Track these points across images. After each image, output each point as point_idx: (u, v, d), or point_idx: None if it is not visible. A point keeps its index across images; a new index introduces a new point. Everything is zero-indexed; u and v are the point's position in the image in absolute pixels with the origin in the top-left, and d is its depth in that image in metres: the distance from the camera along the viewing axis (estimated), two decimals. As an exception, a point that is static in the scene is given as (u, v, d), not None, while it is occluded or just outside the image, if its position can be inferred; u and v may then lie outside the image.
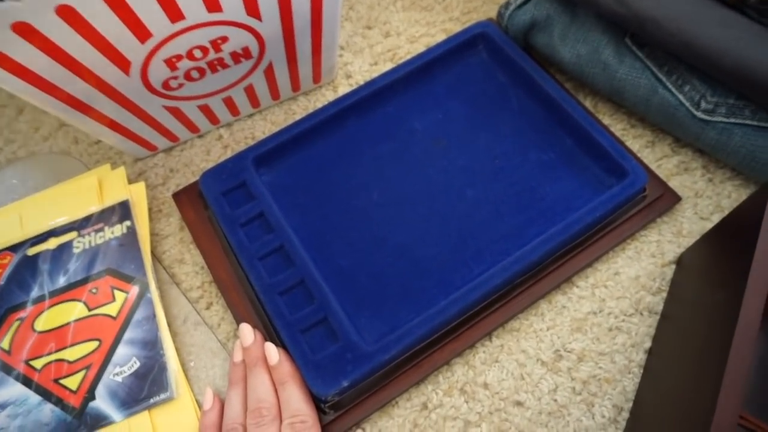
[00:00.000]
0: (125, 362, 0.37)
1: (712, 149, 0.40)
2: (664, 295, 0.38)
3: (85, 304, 0.38)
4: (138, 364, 0.37)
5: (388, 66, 0.49)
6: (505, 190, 0.40)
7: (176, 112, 0.42)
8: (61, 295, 0.38)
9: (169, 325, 0.39)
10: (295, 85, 0.46)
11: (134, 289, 0.39)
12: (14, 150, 0.47)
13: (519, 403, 0.36)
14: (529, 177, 0.41)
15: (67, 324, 0.38)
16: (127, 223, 0.41)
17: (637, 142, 0.43)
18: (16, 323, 0.38)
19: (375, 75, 0.45)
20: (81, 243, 0.40)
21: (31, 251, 0.40)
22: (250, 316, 0.38)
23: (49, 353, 0.37)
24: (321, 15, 0.38)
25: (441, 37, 0.49)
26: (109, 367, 0.36)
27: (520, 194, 0.40)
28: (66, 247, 0.40)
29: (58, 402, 0.35)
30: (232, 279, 0.39)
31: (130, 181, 0.44)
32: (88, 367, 0.36)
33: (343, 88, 0.48)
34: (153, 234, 0.43)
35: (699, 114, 0.39)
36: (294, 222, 0.39)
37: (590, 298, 0.39)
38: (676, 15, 0.37)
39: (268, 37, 0.38)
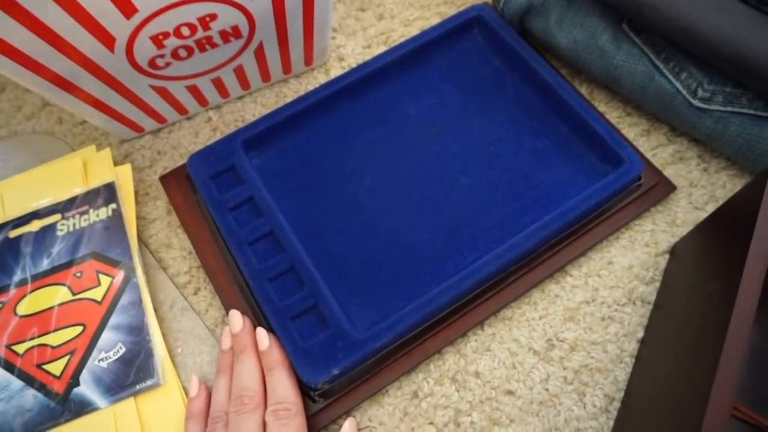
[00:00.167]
0: (111, 348, 0.36)
1: (708, 138, 0.40)
2: (658, 284, 0.38)
3: (69, 288, 0.37)
4: (124, 349, 0.36)
5: (382, 49, 0.48)
6: (500, 177, 0.40)
7: (164, 93, 0.41)
8: (44, 278, 0.38)
9: (156, 310, 0.38)
10: (287, 67, 0.45)
11: (120, 274, 0.38)
12: (-4, 129, 0.46)
13: (510, 392, 0.36)
14: (524, 164, 0.40)
15: (51, 308, 0.37)
16: (113, 205, 0.40)
17: (633, 130, 0.43)
18: (-2, 307, 0.37)
19: (368, 58, 0.44)
20: (65, 225, 0.39)
21: (13, 233, 0.39)
22: (239, 302, 0.37)
23: (32, 338, 0.36)
24: (314, -6, 0.37)
25: (436, 21, 0.48)
26: (94, 353, 0.36)
27: (515, 181, 0.39)
28: (49, 229, 0.39)
29: (41, 387, 0.35)
30: (220, 264, 0.39)
31: (116, 163, 0.43)
32: (72, 353, 0.36)
33: (336, 71, 0.47)
34: (139, 217, 0.42)
35: (696, 102, 0.38)
36: (284, 207, 0.39)
37: (583, 288, 0.38)
38: (674, 0, 0.36)
39: (258, 15, 0.36)
